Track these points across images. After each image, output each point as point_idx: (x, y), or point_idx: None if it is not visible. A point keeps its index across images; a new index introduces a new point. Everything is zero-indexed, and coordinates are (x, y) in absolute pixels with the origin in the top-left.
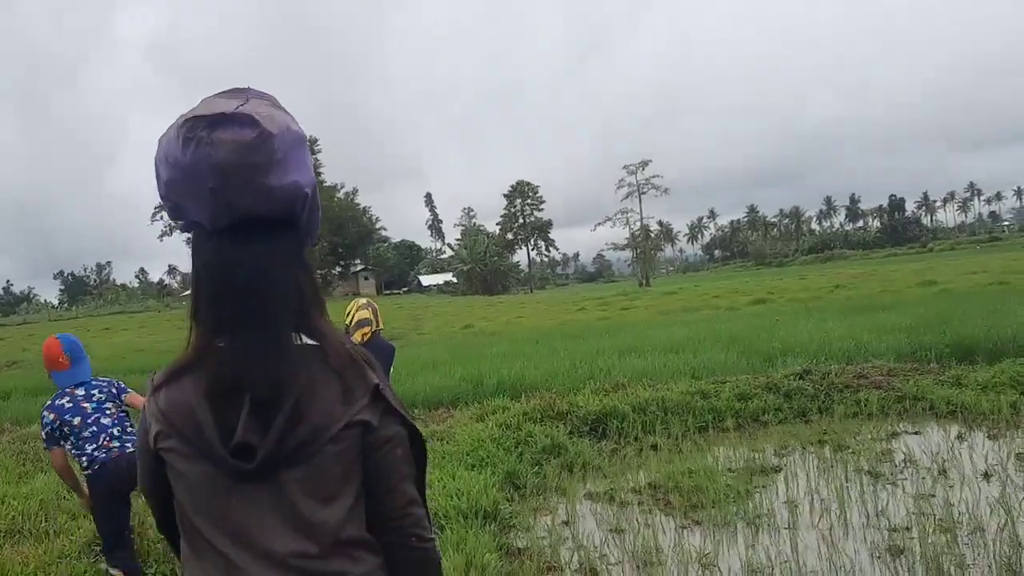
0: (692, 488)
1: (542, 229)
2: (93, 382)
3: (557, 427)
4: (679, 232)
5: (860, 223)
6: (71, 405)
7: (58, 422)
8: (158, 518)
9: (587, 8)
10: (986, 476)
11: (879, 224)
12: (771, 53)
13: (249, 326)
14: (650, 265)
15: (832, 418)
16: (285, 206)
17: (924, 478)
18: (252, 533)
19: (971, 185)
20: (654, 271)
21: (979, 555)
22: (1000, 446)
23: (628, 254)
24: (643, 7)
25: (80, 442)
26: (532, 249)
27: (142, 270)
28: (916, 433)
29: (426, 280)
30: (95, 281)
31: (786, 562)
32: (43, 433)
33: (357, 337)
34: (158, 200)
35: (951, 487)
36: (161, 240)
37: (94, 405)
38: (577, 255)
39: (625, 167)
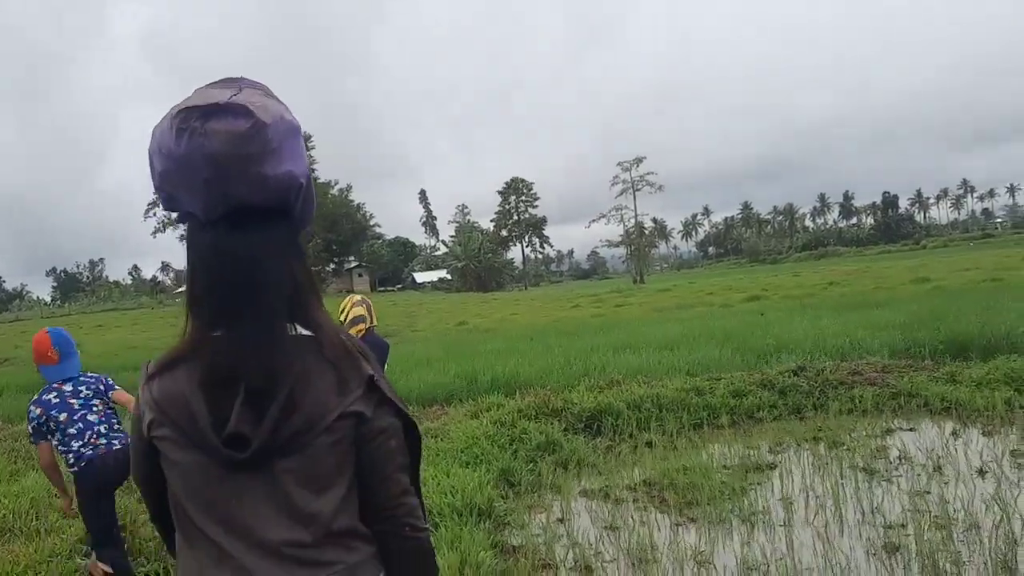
0: (687, 485)
1: (536, 226)
2: (81, 378)
3: (552, 424)
4: (673, 229)
5: (854, 220)
6: (58, 401)
7: (44, 417)
8: (151, 508)
9: (584, 6)
10: (981, 473)
11: (873, 221)
12: (766, 51)
13: (244, 316)
14: (644, 262)
15: (827, 415)
16: (279, 196)
17: (919, 475)
18: (245, 522)
19: (964, 182)
20: (648, 268)
21: (975, 552)
22: (995, 443)
23: (622, 251)
24: (639, 4)
25: (66, 438)
26: (526, 246)
27: (135, 267)
28: (911, 430)
29: (420, 277)
30: (88, 278)
31: (781, 559)
32: (30, 427)
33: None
34: (151, 196)
35: (946, 484)
36: (154, 237)
37: (81, 402)
38: (571, 252)
39: (619, 164)
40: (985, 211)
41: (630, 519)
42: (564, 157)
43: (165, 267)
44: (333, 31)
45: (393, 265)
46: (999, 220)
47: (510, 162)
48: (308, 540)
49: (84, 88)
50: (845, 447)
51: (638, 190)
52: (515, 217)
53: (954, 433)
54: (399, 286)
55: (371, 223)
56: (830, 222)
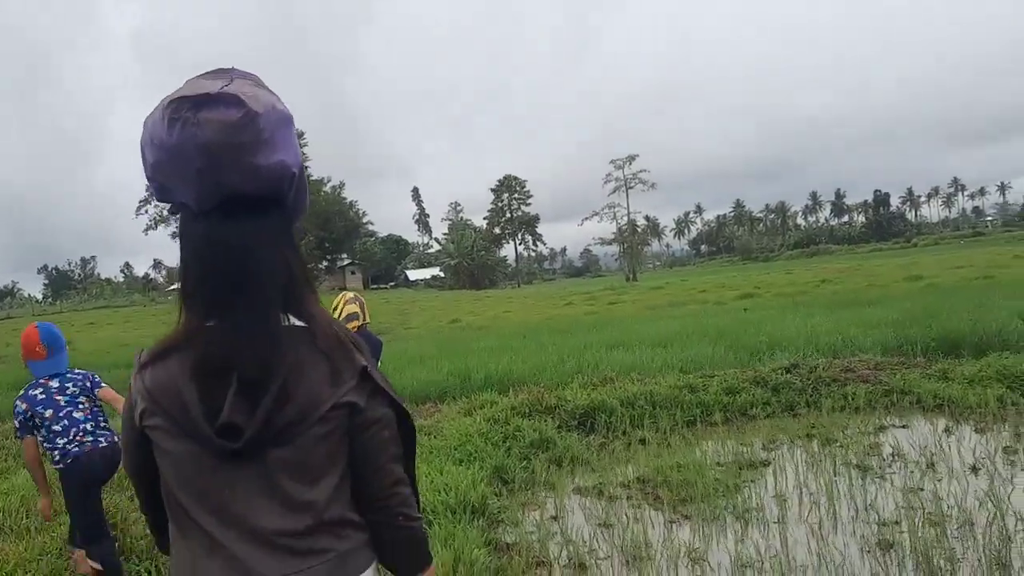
0: (681, 482)
1: (529, 223)
2: (68, 374)
3: (545, 421)
4: (666, 227)
5: (845, 218)
6: (44, 397)
7: (29, 412)
8: (142, 498)
9: (579, 3)
10: (974, 470)
11: (864, 219)
12: (759, 51)
13: (237, 306)
14: (637, 260)
15: (820, 412)
16: (272, 185)
17: (912, 472)
18: (238, 512)
19: (955, 180)
20: (641, 266)
21: (968, 549)
22: (987, 439)
23: (615, 249)
24: (635, 2)
25: (51, 435)
26: (519, 244)
27: (127, 264)
28: (903, 427)
29: (413, 275)
30: (79, 275)
31: (775, 556)
32: (16, 422)
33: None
34: (143, 193)
35: (939, 481)
36: (146, 234)
37: (67, 398)
38: (564, 250)
39: (612, 161)
40: (976, 209)
41: (624, 516)
42: (557, 155)
43: (157, 264)
44: (324, 29)
45: (386, 263)
46: (990, 218)
47: (503, 160)
48: (300, 529)
49: (76, 85)
50: (838, 444)
51: (631, 188)
52: (508, 215)
53: (947, 430)
54: (392, 284)
55: (364, 221)
56: (822, 220)
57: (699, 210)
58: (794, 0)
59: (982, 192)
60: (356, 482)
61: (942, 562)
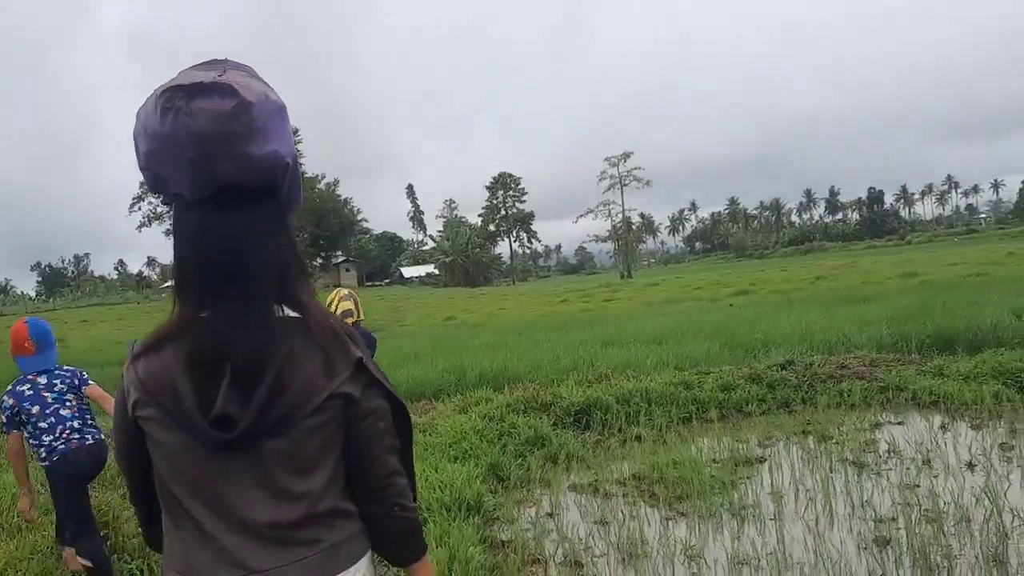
0: (677, 479)
1: (524, 221)
2: (56, 371)
3: (540, 418)
4: (660, 224)
5: (839, 215)
6: (31, 393)
7: (16, 408)
8: (131, 488)
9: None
10: (970, 466)
11: (858, 216)
12: (754, 47)
13: (230, 296)
14: (632, 257)
15: (815, 408)
16: (265, 175)
17: (908, 468)
18: (230, 503)
19: (949, 178)
20: (635, 263)
21: (965, 545)
22: (983, 436)
23: (610, 246)
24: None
25: (37, 432)
26: (514, 241)
27: (121, 262)
28: (899, 423)
29: (408, 272)
30: (73, 273)
31: (772, 553)
32: (3, 417)
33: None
34: (136, 191)
35: (936, 477)
36: (139, 231)
37: (55, 395)
38: (559, 247)
39: (607, 159)
40: (969, 207)
41: (620, 513)
42: (551, 152)
43: (151, 262)
44: (321, 27)
45: (381, 260)
46: (983, 216)
47: (498, 157)
48: (293, 520)
49: (70, 81)
50: (834, 441)
51: (625, 185)
52: (503, 212)
53: (943, 426)
54: (386, 281)
55: (358, 218)
56: (816, 217)
57: (694, 207)
58: None
59: (976, 189)
60: (352, 473)
61: (939, 559)
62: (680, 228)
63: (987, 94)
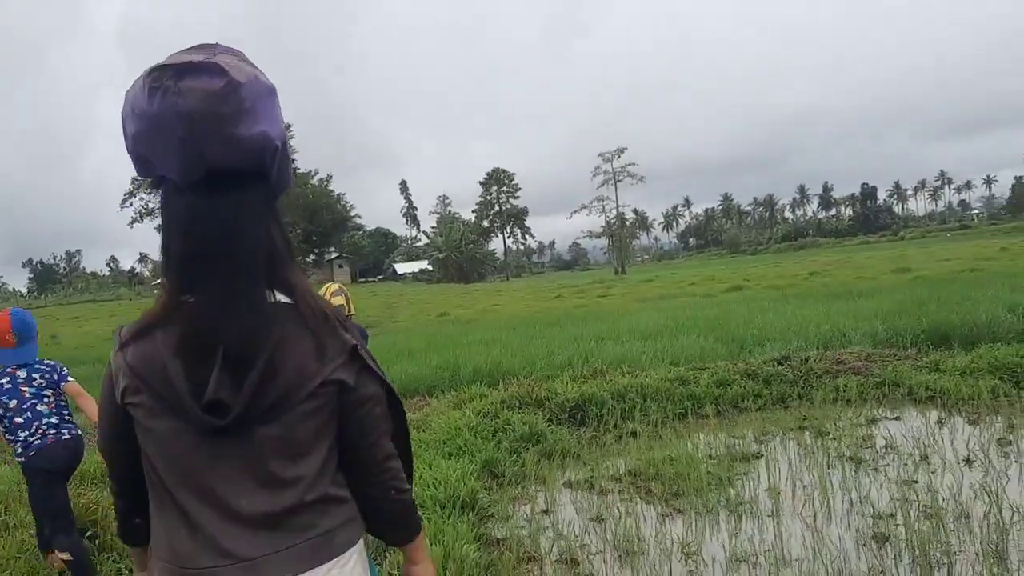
0: (673, 475)
1: (518, 217)
2: (36, 365)
3: (535, 414)
4: (654, 220)
5: (833, 211)
6: (10, 386)
7: None
8: (114, 479)
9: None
10: (968, 462)
11: (852, 212)
12: (748, 45)
13: (220, 280)
14: (626, 253)
15: (811, 404)
16: (255, 157)
17: (906, 464)
18: (219, 491)
19: (942, 174)
20: (629, 259)
21: (965, 541)
22: (981, 431)
23: (604, 242)
24: None
25: (13, 426)
26: (508, 237)
27: (113, 258)
28: (896, 419)
29: (401, 268)
30: (65, 269)
31: (770, 550)
32: None
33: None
34: (128, 186)
35: (934, 473)
36: (131, 227)
37: (33, 390)
38: (553, 243)
39: (601, 155)
40: (962, 202)
41: (616, 510)
42: (545, 148)
43: (143, 258)
44: (314, 23)
45: (374, 256)
46: (976, 212)
47: (492, 153)
48: (284, 507)
49: (62, 76)
50: (831, 436)
51: (619, 181)
52: (497, 208)
53: (939, 422)
54: (380, 277)
55: (351, 214)
56: (809, 213)
57: (687, 203)
58: None
59: (968, 185)
60: (349, 458)
61: (938, 555)
62: (674, 224)
63: (980, 92)
